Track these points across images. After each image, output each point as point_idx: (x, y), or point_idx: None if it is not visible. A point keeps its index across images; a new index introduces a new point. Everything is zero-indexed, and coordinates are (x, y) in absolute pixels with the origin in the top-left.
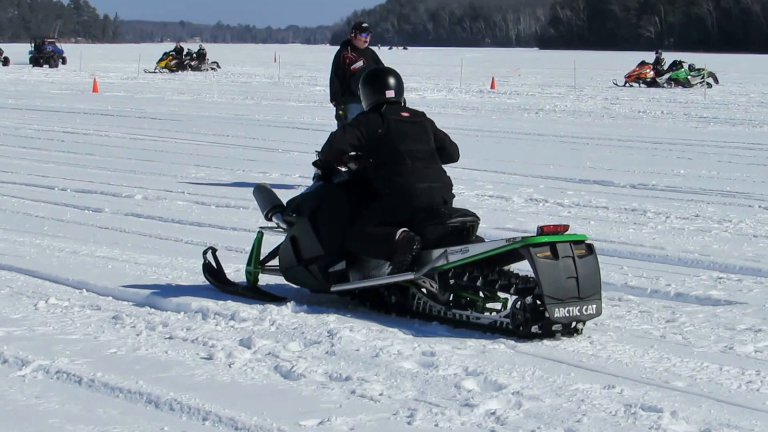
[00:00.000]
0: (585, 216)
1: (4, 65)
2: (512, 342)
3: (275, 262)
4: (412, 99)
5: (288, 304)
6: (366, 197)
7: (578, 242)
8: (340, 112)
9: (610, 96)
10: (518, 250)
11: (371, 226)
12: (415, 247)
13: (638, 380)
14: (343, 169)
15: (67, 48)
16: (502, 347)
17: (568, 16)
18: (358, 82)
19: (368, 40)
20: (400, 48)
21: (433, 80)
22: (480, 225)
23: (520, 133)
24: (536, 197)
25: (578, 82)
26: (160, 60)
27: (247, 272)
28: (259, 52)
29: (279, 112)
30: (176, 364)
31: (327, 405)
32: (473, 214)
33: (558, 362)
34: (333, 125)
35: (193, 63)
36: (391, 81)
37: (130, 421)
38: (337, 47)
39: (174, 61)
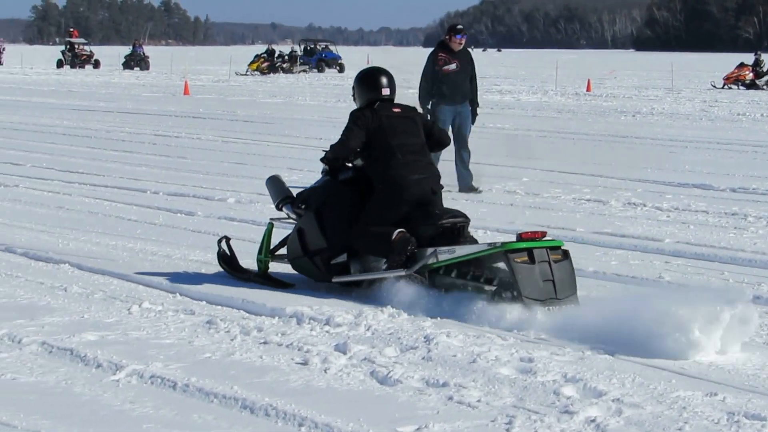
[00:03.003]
0: (684, 220)
1: (95, 68)
2: (612, 348)
3: (284, 251)
4: (507, 102)
5: (384, 309)
6: (368, 193)
7: (555, 248)
8: (428, 116)
9: (709, 98)
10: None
11: (371, 224)
12: (409, 248)
13: (741, 388)
14: (350, 165)
15: (158, 50)
16: (601, 354)
17: (665, 17)
18: (450, 84)
19: (463, 42)
20: (494, 50)
21: (527, 82)
22: (576, 229)
23: (617, 135)
24: (634, 201)
25: (676, 84)
26: (252, 62)
27: (259, 260)
28: (351, 54)
29: None
30: (271, 369)
31: (424, 411)
32: (463, 216)
33: (659, 369)
34: None
35: (284, 65)
36: (385, 80)
37: (225, 426)
38: (430, 49)
39: (265, 64)
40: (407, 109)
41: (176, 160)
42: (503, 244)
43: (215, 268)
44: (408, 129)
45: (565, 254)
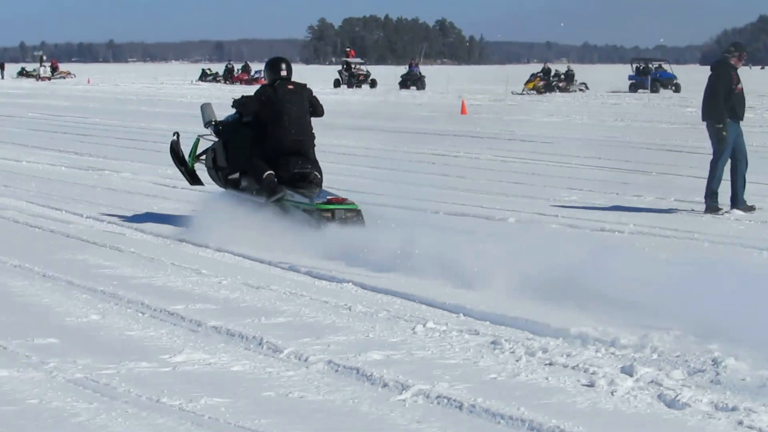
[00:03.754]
0: None
1: (371, 87)
2: None
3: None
4: None
5: (669, 331)
6: (262, 137)
7: (351, 210)
8: (723, 133)
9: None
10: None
11: (257, 159)
12: (273, 187)
13: None
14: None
15: (433, 70)
16: None
17: None
18: (739, 103)
19: (744, 60)
20: None
21: None
22: None
23: None
24: None
25: None
26: (528, 81)
27: (189, 161)
28: (625, 71)
29: (651, 134)
30: (557, 390)
31: None
32: (313, 168)
33: None
34: (705, 147)
35: (561, 84)
36: (283, 65)
37: None
38: (707, 67)
39: (542, 83)
40: (298, 86)
41: (455, 180)
42: (317, 204)
43: (498, 288)
44: (297, 100)
45: (358, 213)
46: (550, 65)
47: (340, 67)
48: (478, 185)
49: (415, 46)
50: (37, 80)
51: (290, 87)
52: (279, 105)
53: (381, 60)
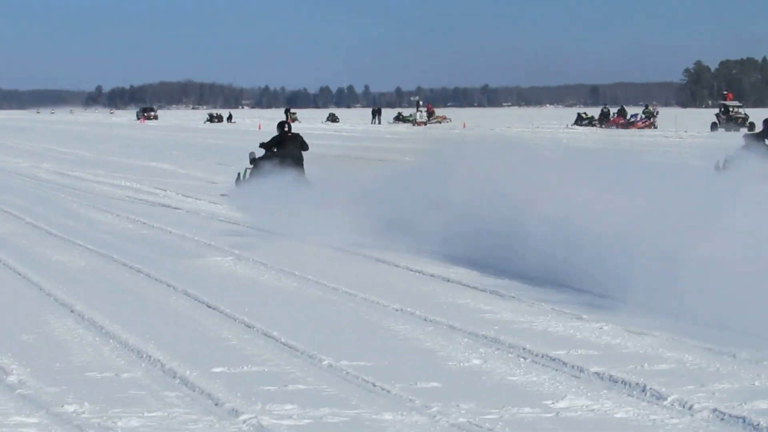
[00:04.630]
0: None
1: (749, 131)
2: None
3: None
4: None
5: None
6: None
7: None
8: None
9: None
10: None
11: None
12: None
13: None
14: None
15: None
16: None
17: None
18: None
19: None
20: None
21: None
22: None
23: None
24: None
25: None
26: None
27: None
28: None
29: None
30: None
31: None
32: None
33: None
34: None
35: None
36: (287, 126)
37: None
38: None
39: None
40: (294, 135)
41: None
42: None
43: None
44: (293, 143)
45: None
46: None
47: (717, 110)
48: None
49: None
50: (414, 125)
51: (290, 135)
52: (282, 146)
53: (759, 102)
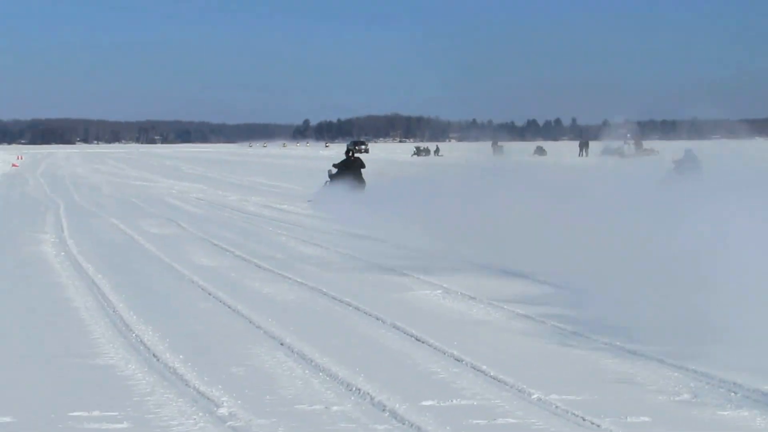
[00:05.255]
0: None
1: None
2: None
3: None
4: None
5: None
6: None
7: None
8: None
9: None
10: None
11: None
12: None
13: None
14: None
15: None
16: None
17: None
18: None
19: None
20: None
21: None
22: None
23: None
24: None
25: None
26: None
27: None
28: None
29: None
30: None
31: None
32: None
33: None
34: None
35: None
36: (350, 151)
37: None
38: None
39: None
40: (356, 158)
41: None
42: None
43: None
44: (356, 164)
45: None
46: None
47: None
48: None
49: None
50: (621, 158)
51: (353, 158)
52: (348, 166)
53: None
